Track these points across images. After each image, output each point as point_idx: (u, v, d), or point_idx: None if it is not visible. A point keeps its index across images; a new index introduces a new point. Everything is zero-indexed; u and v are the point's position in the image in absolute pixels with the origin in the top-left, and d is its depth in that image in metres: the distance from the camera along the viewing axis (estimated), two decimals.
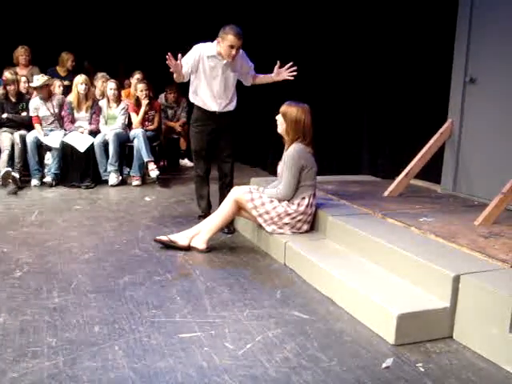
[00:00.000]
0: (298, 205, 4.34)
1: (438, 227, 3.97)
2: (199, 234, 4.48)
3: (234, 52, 4.80)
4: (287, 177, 4.32)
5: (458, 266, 3.16)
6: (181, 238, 4.48)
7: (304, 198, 4.36)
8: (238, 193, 4.45)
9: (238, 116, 5.30)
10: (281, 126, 4.43)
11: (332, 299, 3.52)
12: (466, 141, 5.09)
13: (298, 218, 4.36)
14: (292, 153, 4.31)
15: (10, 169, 6.60)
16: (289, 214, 4.34)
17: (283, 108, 4.40)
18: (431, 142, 5.16)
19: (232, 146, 5.22)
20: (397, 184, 5.10)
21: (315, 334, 3.05)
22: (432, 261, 3.26)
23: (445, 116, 5.25)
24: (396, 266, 3.52)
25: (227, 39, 4.74)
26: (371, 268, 3.69)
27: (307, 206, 4.36)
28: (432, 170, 5.35)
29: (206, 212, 5.23)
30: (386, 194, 5.08)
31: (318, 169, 4.47)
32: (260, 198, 4.40)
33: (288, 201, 4.36)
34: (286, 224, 4.37)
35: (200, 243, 4.43)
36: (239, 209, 4.48)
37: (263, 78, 5.28)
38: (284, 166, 4.37)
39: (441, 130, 5.17)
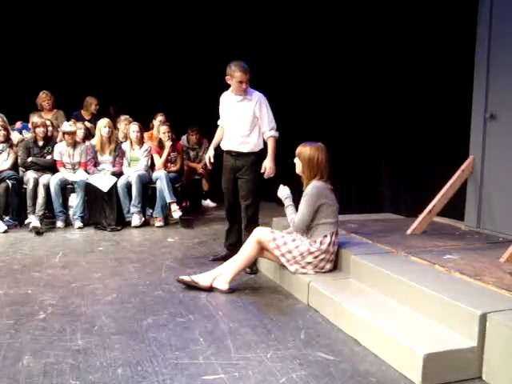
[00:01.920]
0: (321, 243, 4.33)
1: (462, 265, 3.92)
2: (221, 274, 4.47)
3: (243, 86, 5.02)
4: (302, 211, 4.34)
5: (485, 305, 3.11)
6: (203, 278, 4.48)
7: (326, 235, 4.34)
8: (260, 233, 4.45)
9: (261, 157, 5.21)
10: (298, 167, 4.48)
11: (357, 339, 3.48)
12: (488, 177, 5.06)
13: (321, 256, 4.34)
14: (311, 189, 4.33)
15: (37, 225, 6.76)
16: (311, 253, 4.33)
17: (298, 149, 4.48)
18: (453, 178, 5.14)
19: (249, 188, 5.16)
20: (420, 222, 5.06)
21: (340, 376, 3.01)
22: (458, 299, 3.21)
23: (466, 152, 5.23)
24: (421, 304, 3.47)
25: (235, 76, 4.98)
26: (396, 307, 3.64)
27: (329, 244, 4.34)
28: (455, 207, 5.31)
29: (228, 251, 5.30)
30: (409, 231, 5.05)
31: (338, 206, 4.47)
32: (282, 237, 4.40)
33: (310, 239, 4.35)
34: (309, 263, 4.35)
35: (222, 284, 4.42)
36: (262, 249, 4.48)
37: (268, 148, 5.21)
38: (302, 201, 4.39)
39: (462, 167, 5.15)
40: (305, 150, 4.40)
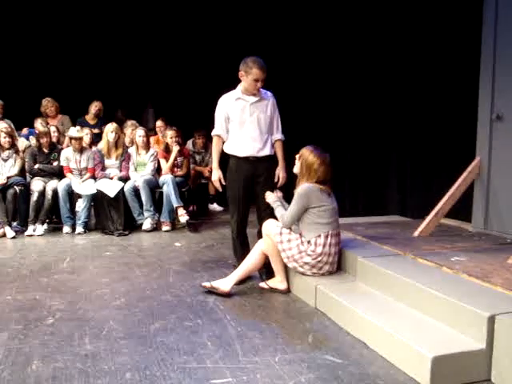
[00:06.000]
0: (316, 244, 4.30)
1: (470, 266, 3.90)
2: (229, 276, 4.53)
3: (259, 85, 4.69)
4: (291, 208, 4.39)
5: (493, 306, 3.10)
6: (223, 283, 4.49)
7: (320, 235, 4.30)
8: (268, 226, 4.51)
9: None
10: (296, 167, 4.50)
11: (365, 342, 3.47)
12: (495, 178, 5.04)
13: (318, 258, 4.33)
14: (300, 189, 4.36)
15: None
16: (309, 255, 4.32)
17: (302, 150, 4.46)
18: (460, 180, 5.12)
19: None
20: (427, 224, 5.05)
21: (348, 379, 3.00)
22: (466, 301, 3.20)
23: (473, 154, 5.22)
24: (428, 307, 3.46)
25: (252, 73, 4.62)
26: (403, 309, 3.63)
27: (324, 245, 4.31)
28: (462, 209, 5.29)
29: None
30: (416, 234, 5.03)
31: (336, 207, 4.44)
32: (289, 233, 4.40)
33: (304, 239, 4.35)
34: (306, 263, 4.34)
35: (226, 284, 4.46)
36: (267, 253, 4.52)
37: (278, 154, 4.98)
38: (293, 199, 4.42)
39: (469, 168, 5.13)
40: (308, 155, 4.38)
